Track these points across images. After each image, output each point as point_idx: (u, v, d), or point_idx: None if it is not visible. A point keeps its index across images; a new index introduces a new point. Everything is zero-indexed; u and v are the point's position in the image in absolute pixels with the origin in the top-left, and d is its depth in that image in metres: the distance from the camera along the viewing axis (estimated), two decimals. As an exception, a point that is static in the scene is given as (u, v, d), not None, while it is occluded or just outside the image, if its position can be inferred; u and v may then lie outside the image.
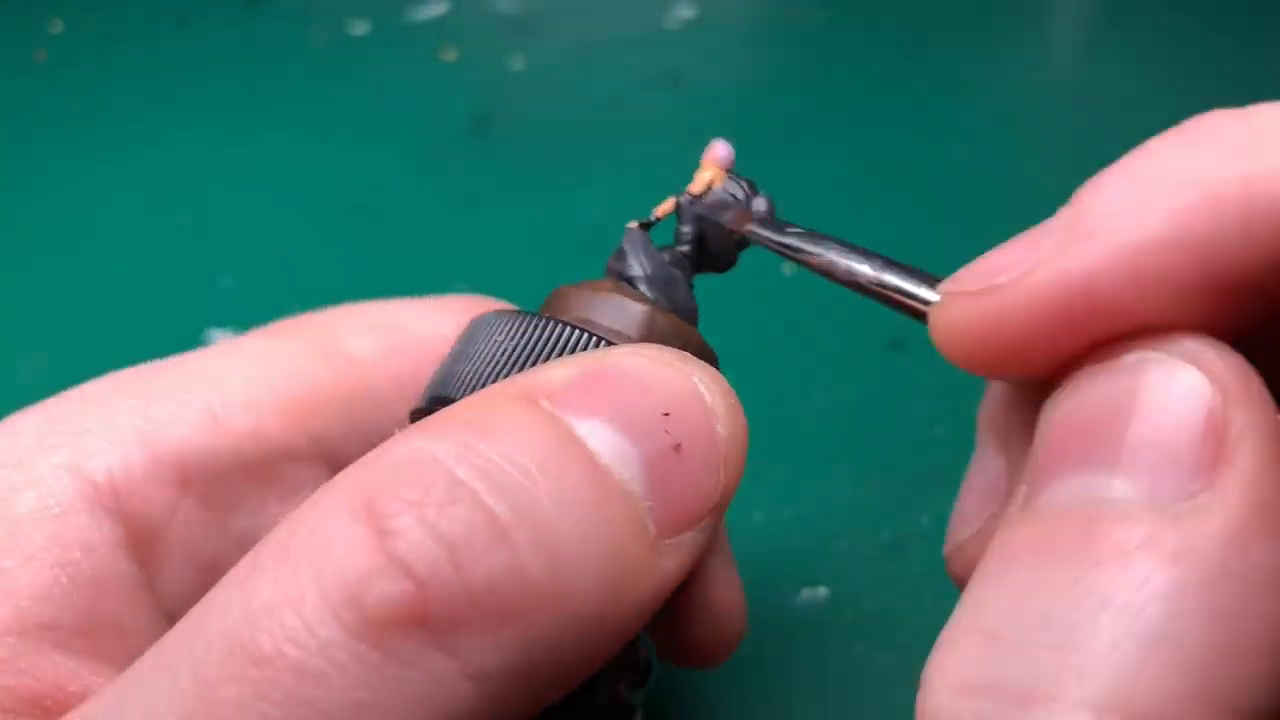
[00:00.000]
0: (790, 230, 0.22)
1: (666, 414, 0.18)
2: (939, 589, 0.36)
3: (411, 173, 0.59)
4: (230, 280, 0.51)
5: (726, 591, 0.25)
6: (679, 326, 0.22)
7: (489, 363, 0.20)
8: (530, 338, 0.20)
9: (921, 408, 0.42)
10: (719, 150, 0.25)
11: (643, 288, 0.23)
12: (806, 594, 0.36)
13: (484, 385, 0.20)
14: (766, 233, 0.23)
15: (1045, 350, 0.17)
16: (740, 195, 0.24)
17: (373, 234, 0.54)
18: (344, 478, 0.17)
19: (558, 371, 0.18)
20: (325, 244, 0.54)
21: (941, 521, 0.39)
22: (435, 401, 0.21)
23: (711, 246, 0.24)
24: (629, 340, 0.21)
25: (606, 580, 0.16)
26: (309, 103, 0.66)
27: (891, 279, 0.20)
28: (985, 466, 0.21)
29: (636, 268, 0.23)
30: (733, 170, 0.25)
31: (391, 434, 0.24)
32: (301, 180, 0.59)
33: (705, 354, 0.22)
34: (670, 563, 0.17)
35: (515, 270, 0.51)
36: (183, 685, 0.15)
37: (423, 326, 0.26)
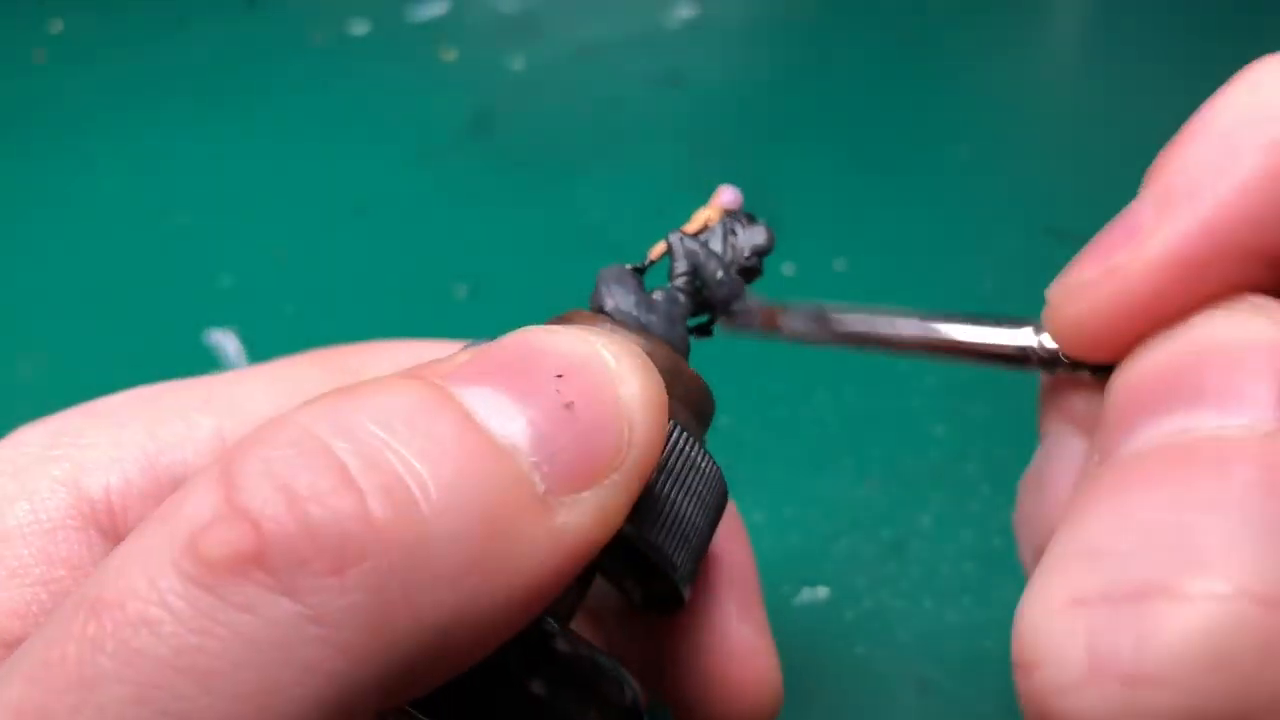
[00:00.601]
0: (827, 317, 0.22)
1: (560, 376, 0.17)
2: (939, 589, 0.36)
3: (411, 173, 0.59)
4: (230, 280, 0.51)
5: (756, 661, 0.25)
6: (649, 342, 0.21)
7: None
8: None
9: (921, 408, 0.42)
10: (725, 196, 0.24)
11: (615, 318, 0.22)
12: (806, 594, 0.36)
13: None
14: (804, 331, 0.23)
15: (1172, 314, 0.17)
16: (734, 229, 0.23)
17: (373, 234, 0.54)
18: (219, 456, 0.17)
19: (460, 355, 0.18)
20: (325, 244, 0.54)
21: (942, 521, 0.39)
22: None
23: (709, 280, 0.23)
24: None
25: (479, 531, 0.16)
26: (309, 103, 0.66)
27: (965, 335, 0.21)
28: (1065, 454, 0.21)
29: (607, 301, 0.22)
30: (738, 213, 0.24)
31: None
32: (301, 180, 0.59)
33: (679, 372, 0.22)
34: (567, 519, 0.17)
35: (515, 270, 0.51)
36: (34, 651, 0.15)
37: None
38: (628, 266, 0.23)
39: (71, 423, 0.22)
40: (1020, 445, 0.41)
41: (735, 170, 0.57)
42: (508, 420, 0.17)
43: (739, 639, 0.25)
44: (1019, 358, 0.21)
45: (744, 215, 0.24)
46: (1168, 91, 0.62)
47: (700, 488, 0.21)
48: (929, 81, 0.65)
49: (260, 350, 0.47)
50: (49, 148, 0.62)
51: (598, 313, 0.22)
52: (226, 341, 0.47)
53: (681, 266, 0.23)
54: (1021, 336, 0.21)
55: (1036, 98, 0.65)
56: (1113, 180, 0.61)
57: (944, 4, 0.74)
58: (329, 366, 0.24)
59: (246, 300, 0.50)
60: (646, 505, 0.20)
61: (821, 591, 0.36)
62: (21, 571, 0.20)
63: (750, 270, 0.23)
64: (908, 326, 0.22)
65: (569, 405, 0.17)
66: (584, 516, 0.17)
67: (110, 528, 0.21)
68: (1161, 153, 0.18)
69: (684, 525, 0.20)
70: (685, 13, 0.73)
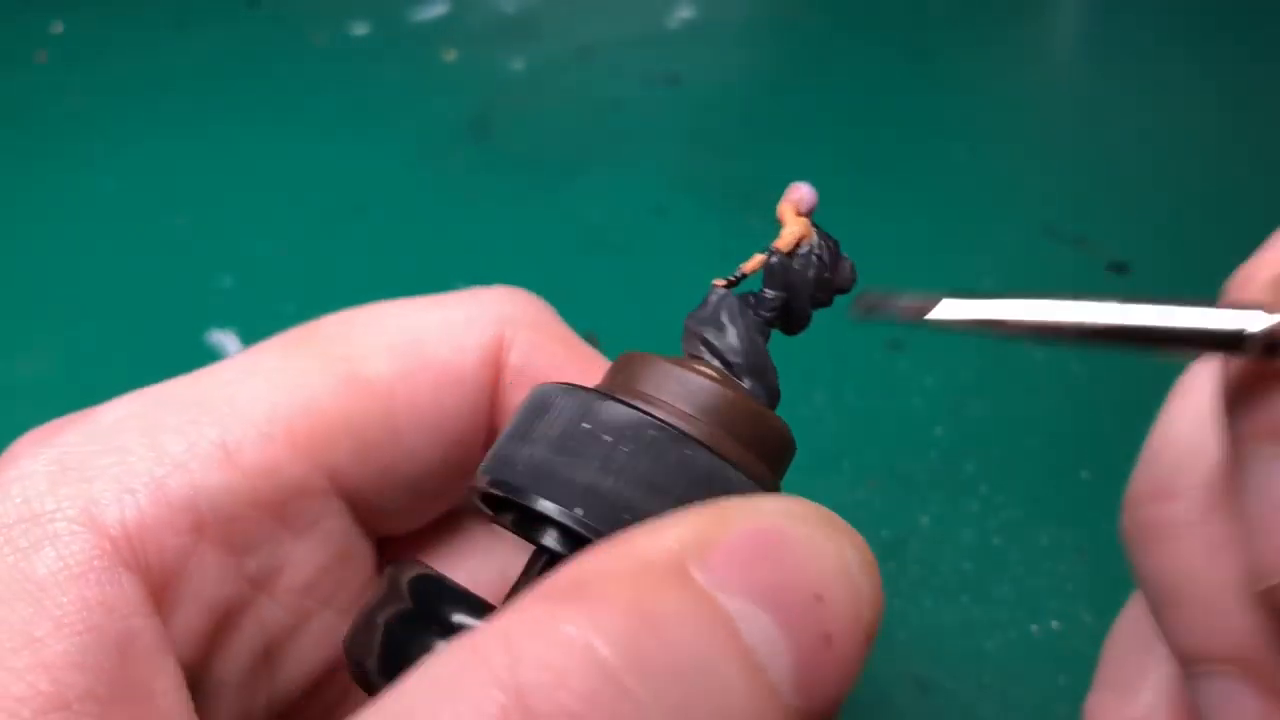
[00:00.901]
0: (977, 303, 0.19)
1: (819, 598, 0.16)
2: (938, 589, 0.36)
3: (411, 173, 0.59)
4: (230, 280, 0.51)
5: None
6: (777, 428, 0.21)
7: (576, 454, 0.19)
8: (620, 427, 0.19)
9: (921, 408, 0.42)
10: (802, 193, 0.22)
11: (746, 381, 0.21)
12: (806, 594, 0.36)
13: (571, 487, 0.19)
14: (967, 318, 0.20)
15: None
16: (825, 258, 0.22)
17: (373, 234, 0.54)
18: (490, 649, 0.15)
19: (709, 528, 0.17)
20: (325, 244, 0.54)
21: (940, 521, 0.39)
22: (499, 485, 0.20)
23: (793, 310, 0.22)
24: (728, 441, 0.20)
25: None
26: (309, 103, 0.66)
27: (1159, 319, 0.17)
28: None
29: (734, 352, 0.21)
30: (825, 236, 0.22)
31: (407, 455, 0.23)
32: (301, 180, 0.59)
33: (789, 449, 0.21)
34: None
35: (515, 270, 0.51)
36: None
37: (444, 348, 0.25)
38: (721, 283, 0.22)
39: (75, 449, 0.21)
40: (1020, 445, 0.41)
41: (735, 170, 0.57)
42: (777, 655, 0.16)
43: None
44: (1227, 343, 0.17)
45: (830, 240, 0.22)
46: (1166, 92, 0.62)
47: None
48: (927, 81, 0.66)
49: (260, 350, 0.47)
50: (49, 148, 0.62)
51: (710, 353, 0.21)
52: (227, 341, 0.47)
53: (774, 296, 0.22)
54: (1237, 319, 0.17)
55: (1035, 97, 0.66)
56: (1111, 180, 0.61)
57: (943, 4, 0.74)
58: (322, 355, 0.24)
59: (246, 300, 0.50)
60: None
61: (821, 591, 0.36)
62: (67, 622, 0.19)
63: (822, 304, 0.22)
64: (1083, 312, 0.18)
65: (828, 637, 0.16)
66: None
67: (133, 562, 0.20)
68: None
69: None
70: (685, 13, 0.73)
